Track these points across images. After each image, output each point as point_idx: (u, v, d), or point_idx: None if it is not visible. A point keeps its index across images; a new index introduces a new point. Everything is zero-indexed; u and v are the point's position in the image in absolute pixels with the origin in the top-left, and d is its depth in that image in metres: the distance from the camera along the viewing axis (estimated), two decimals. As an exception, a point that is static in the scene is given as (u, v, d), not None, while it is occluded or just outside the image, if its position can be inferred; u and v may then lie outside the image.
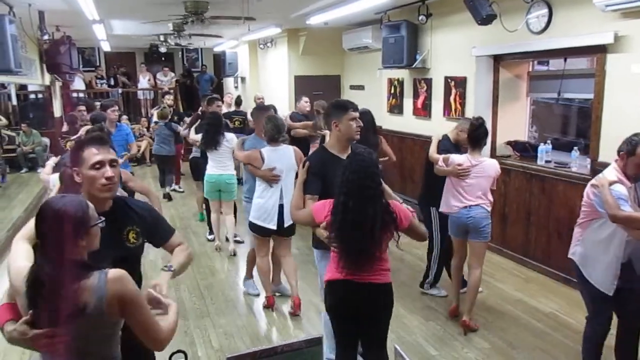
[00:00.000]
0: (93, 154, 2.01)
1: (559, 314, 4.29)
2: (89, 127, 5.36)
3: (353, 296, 2.63)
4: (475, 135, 3.90)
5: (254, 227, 4.30)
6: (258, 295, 4.70)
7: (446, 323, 4.19)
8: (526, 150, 5.61)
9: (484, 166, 3.91)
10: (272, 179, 4.15)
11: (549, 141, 5.38)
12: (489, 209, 3.95)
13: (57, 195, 1.95)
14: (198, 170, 6.37)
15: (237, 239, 6.07)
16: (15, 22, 5.75)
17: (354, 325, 2.72)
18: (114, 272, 1.65)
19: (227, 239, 6.09)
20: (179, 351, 1.80)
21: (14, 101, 11.26)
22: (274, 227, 4.18)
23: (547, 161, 5.21)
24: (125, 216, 2.14)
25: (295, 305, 4.32)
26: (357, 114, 3.04)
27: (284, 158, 4.21)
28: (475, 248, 3.99)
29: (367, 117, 5.76)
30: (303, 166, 3.03)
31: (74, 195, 1.77)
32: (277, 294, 4.64)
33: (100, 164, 2.00)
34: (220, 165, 5.72)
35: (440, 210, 4.21)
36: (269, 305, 4.46)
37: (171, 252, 2.29)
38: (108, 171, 2.00)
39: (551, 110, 6.71)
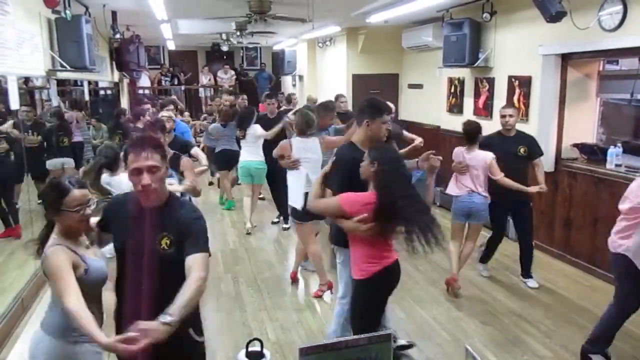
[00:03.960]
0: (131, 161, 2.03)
1: (628, 325, 4.06)
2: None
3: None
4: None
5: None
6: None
7: (505, 328, 4.09)
8: (594, 153, 5.37)
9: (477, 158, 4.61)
10: (291, 166, 4.55)
11: (619, 144, 5.13)
12: (486, 194, 4.57)
13: None
14: (226, 160, 7.29)
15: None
16: (91, 22, 6.07)
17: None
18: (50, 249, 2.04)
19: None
20: (255, 339, 1.86)
21: (87, 97, 11.85)
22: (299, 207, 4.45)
23: (617, 165, 4.97)
24: (166, 220, 2.04)
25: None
26: (389, 118, 3.21)
27: (314, 149, 4.58)
28: (474, 228, 4.72)
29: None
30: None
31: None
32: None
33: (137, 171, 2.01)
34: (250, 153, 6.51)
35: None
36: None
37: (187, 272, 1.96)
38: (145, 179, 1.99)
39: (621, 111, 6.38)
